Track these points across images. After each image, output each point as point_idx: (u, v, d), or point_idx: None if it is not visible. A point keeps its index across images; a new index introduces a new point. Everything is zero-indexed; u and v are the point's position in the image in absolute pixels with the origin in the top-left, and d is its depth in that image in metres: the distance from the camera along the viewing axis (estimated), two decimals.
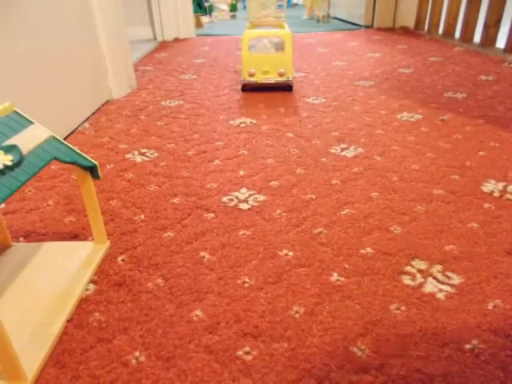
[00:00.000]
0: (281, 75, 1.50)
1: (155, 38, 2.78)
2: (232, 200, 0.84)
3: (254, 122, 1.26)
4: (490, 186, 0.86)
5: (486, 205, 0.79)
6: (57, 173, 0.97)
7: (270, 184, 0.90)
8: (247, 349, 0.51)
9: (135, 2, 2.69)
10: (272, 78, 1.51)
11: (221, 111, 1.36)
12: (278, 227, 0.75)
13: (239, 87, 1.63)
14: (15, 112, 0.57)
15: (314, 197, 0.84)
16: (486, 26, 2.07)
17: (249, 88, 1.58)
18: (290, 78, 1.52)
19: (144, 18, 2.75)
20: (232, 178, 0.93)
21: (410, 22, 2.79)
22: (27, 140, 0.55)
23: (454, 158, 0.99)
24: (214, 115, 1.33)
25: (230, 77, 1.80)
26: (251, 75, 1.51)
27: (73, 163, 0.60)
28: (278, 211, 0.80)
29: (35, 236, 0.74)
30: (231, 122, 1.26)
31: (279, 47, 1.54)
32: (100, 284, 0.62)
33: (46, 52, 1.11)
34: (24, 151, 0.52)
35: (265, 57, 1.51)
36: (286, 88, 1.56)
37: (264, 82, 1.52)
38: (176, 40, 2.81)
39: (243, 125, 1.24)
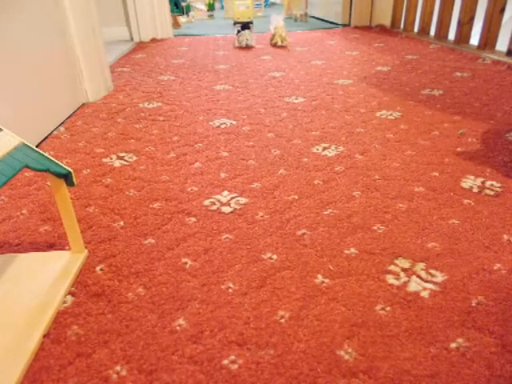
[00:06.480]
0: None
1: (132, 39, 2.73)
2: (214, 203, 0.82)
3: (233, 122, 1.25)
4: (468, 182, 0.87)
5: (466, 201, 0.80)
6: (31, 180, 0.94)
7: (252, 186, 0.88)
8: (233, 357, 0.50)
9: (110, 2, 2.63)
10: None
11: (200, 112, 1.34)
12: (260, 230, 0.74)
13: (218, 87, 1.61)
14: None
15: (296, 197, 0.83)
16: (459, 23, 2.11)
17: None
18: None
19: (120, 17, 2.70)
20: (213, 180, 0.91)
21: (386, 20, 2.82)
22: None
23: (433, 155, 1.00)
24: (194, 117, 1.31)
25: (208, 77, 1.77)
26: None
27: (45, 171, 0.57)
28: (261, 213, 0.78)
29: (8, 247, 0.71)
30: (211, 124, 1.25)
31: None
32: (78, 295, 0.60)
33: (15, 54, 1.07)
34: None
35: None
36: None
37: None
38: (153, 40, 2.77)
39: (223, 126, 1.23)
